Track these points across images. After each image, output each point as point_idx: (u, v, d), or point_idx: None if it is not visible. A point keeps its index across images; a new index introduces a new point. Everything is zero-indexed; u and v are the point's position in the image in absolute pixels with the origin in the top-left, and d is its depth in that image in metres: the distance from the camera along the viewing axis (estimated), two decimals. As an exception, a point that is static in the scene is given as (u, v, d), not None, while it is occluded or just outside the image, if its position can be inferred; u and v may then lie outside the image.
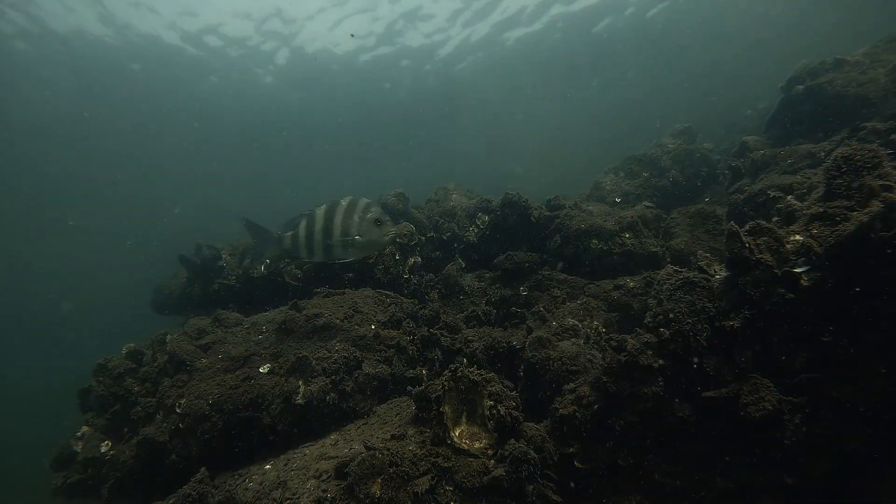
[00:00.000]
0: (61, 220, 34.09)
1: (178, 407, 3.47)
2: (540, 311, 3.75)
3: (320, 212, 2.97)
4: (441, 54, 23.70)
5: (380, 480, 2.17)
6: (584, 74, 28.27)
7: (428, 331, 4.21)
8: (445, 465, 2.24)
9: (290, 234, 3.10)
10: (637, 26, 23.22)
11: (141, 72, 20.67)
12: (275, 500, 2.49)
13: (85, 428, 4.00)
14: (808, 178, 4.21)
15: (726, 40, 26.64)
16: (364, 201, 2.93)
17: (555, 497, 2.29)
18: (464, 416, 2.42)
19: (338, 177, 43.67)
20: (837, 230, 2.08)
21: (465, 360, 3.75)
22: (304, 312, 4.09)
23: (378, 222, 2.89)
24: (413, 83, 26.71)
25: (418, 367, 3.98)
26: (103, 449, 3.84)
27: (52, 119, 21.87)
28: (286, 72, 22.97)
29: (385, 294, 4.65)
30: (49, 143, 23.93)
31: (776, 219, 2.81)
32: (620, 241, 4.80)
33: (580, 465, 2.52)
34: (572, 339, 3.40)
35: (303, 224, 3.01)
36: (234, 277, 5.83)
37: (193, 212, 41.11)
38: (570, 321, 3.56)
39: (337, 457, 2.68)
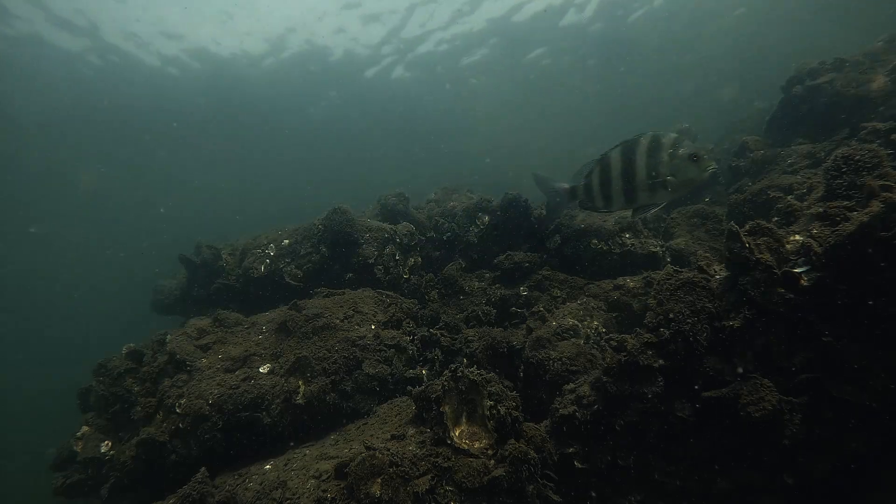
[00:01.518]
0: (56, 222, 34.15)
1: (178, 407, 3.47)
2: (540, 311, 3.75)
3: (615, 154, 2.64)
4: (440, 52, 23.70)
5: (380, 480, 2.17)
6: (584, 73, 28.28)
7: (428, 331, 4.21)
8: (445, 465, 2.24)
9: (582, 183, 2.78)
10: (637, 25, 23.22)
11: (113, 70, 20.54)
12: (275, 500, 2.50)
13: (85, 428, 4.00)
14: (808, 178, 4.21)
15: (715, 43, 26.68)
16: (671, 136, 2.59)
17: (555, 497, 2.29)
18: (464, 417, 2.42)
19: (338, 178, 43.73)
20: (837, 230, 2.08)
21: (465, 360, 3.75)
22: (304, 312, 4.09)
23: (695, 157, 2.53)
24: (413, 83, 26.73)
25: (418, 367, 3.98)
26: (103, 449, 3.84)
27: (53, 120, 21.89)
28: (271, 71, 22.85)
29: (385, 294, 4.65)
30: (44, 143, 23.93)
31: (776, 219, 2.81)
32: (620, 241, 4.80)
33: (580, 465, 2.52)
34: (572, 339, 3.40)
35: (596, 171, 2.70)
36: (234, 277, 5.83)
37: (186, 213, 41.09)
38: (570, 321, 3.56)
39: (337, 457, 2.69)
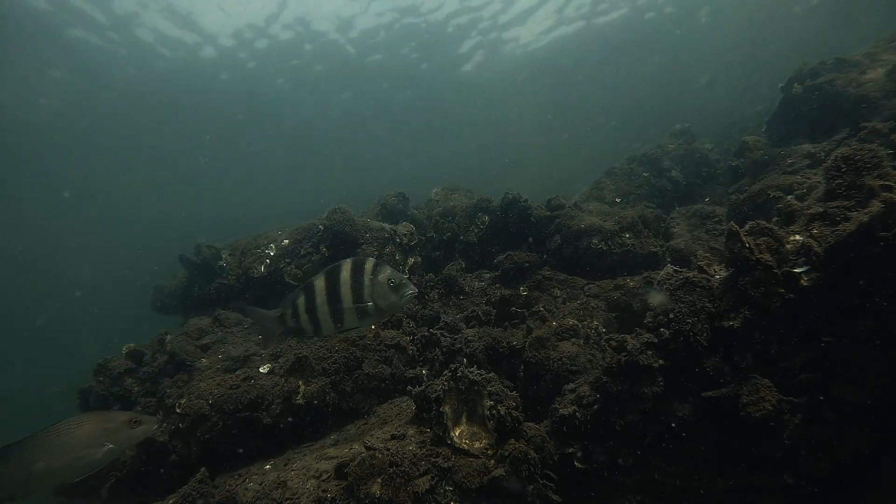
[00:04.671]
0: (63, 216, 34.16)
1: (178, 407, 3.48)
2: (540, 311, 3.75)
3: (319, 281, 2.66)
4: (438, 53, 23.71)
5: (380, 480, 2.17)
6: (584, 73, 28.28)
7: (428, 331, 4.21)
8: (445, 465, 2.24)
9: (290, 311, 2.74)
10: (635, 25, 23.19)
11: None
12: (275, 500, 2.50)
13: (85, 428, 3.99)
14: (808, 178, 4.21)
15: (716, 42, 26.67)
16: (371, 261, 2.65)
17: (555, 497, 2.29)
18: (464, 416, 2.42)
19: (336, 178, 43.74)
20: (837, 230, 2.08)
21: (465, 360, 3.75)
22: (304, 312, 4.09)
23: (392, 283, 2.58)
24: (411, 85, 26.75)
25: (418, 367, 3.98)
26: (103, 449, 3.84)
27: (54, 120, 21.88)
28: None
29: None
30: (51, 144, 23.94)
31: (776, 219, 2.81)
32: (620, 241, 4.80)
33: (580, 465, 2.52)
34: (572, 339, 3.40)
35: (301, 298, 2.69)
36: (234, 277, 5.82)
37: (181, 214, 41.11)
38: (570, 321, 3.56)
39: (337, 457, 2.69)
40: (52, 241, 37.76)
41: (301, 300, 2.67)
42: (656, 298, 2.41)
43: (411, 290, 2.59)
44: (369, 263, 2.62)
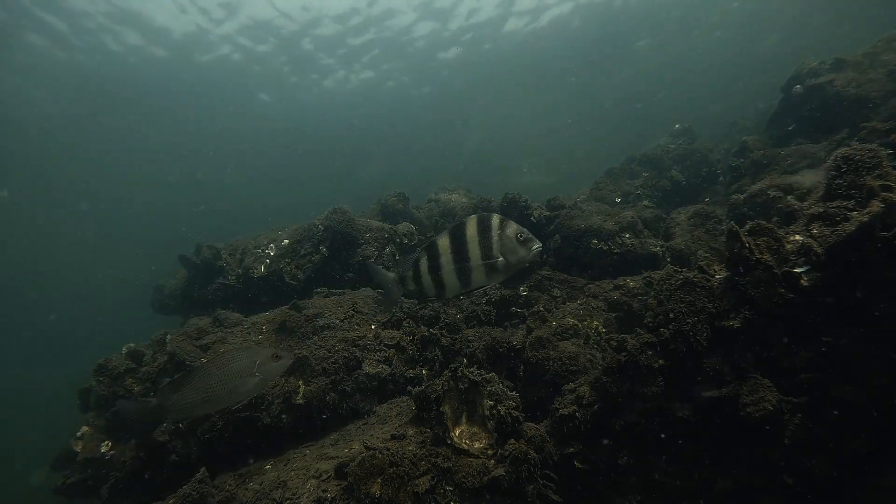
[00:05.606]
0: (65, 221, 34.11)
1: (178, 407, 3.47)
2: (540, 311, 3.75)
3: (443, 240, 2.57)
4: (438, 55, 23.71)
5: (380, 480, 2.17)
6: (585, 72, 28.24)
7: (428, 331, 4.21)
8: (445, 465, 2.24)
9: (407, 272, 2.67)
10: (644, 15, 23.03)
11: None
12: (275, 500, 2.49)
13: (85, 428, 4.00)
14: (808, 178, 4.21)
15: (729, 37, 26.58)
16: (496, 217, 2.56)
17: (555, 497, 2.29)
18: (464, 416, 2.42)
19: (334, 179, 43.77)
20: (838, 230, 2.08)
21: (465, 360, 3.74)
22: (304, 312, 4.09)
23: (521, 237, 2.50)
24: (411, 84, 26.75)
25: (418, 367, 3.98)
26: (103, 449, 3.84)
27: (59, 122, 21.89)
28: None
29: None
30: (54, 146, 23.95)
31: (776, 219, 2.81)
32: (620, 241, 4.80)
33: (580, 465, 2.52)
34: (572, 339, 3.40)
35: (423, 259, 2.60)
36: (234, 277, 5.83)
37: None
38: (570, 321, 3.56)
39: (337, 457, 2.68)
40: (52, 241, 37.78)
41: (423, 261, 2.57)
42: (656, 299, 2.40)
43: (537, 244, 2.52)
44: (495, 219, 2.53)
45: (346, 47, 21.87)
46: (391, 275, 2.73)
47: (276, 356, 2.60)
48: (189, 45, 19.64)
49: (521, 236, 2.48)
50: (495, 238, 2.48)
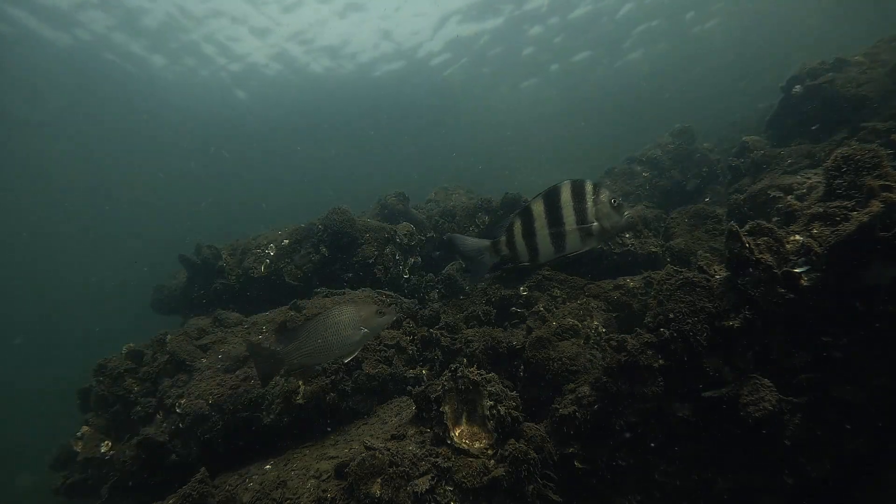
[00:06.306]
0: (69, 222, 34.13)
1: (178, 407, 3.48)
2: (540, 311, 3.75)
3: (537, 205, 2.57)
4: (436, 57, 23.69)
5: (380, 480, 2.17)
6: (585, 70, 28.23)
7: (428, 331, 4.21)
8: (445, 465, 2.24)
9: (503, 237, 2.67)
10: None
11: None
12: (275, 500, 2.50)
13: (85, 428, 4.00)
14: (808, 178, 4.21)
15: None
16: (590, 182, 2.56)
17: (555, 497, 2.29)
18: (464, 416, 2.42)
19: (335, 179, 43.78)
20: (838, 230, 2.08)
21: (465, 360, 3.74)
22: (304, 312, 4.09)
23: (614, 203, 2.51)
24: (411, 84, 26.73)
25: (418, 367, 3.98)
26: (103, 449, 3.84)
27: (59, 121, 21.89)
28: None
29: (385, 294, 4.65)
30: (56, 145, 23.95)
31: (776, 219, 2.81)
32: (620, 241, 4.80)
33: (580, 465, 2.52)
34: (572, 339, 3.40)
35: (517, 223, 2.60)
36: (234, 277, 5.83)
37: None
38: (570, 321, 3.56)
39: (337, 457, 2.69)
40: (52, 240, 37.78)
41: (517, 226, 2.58)
42: (656, 299, 2.40)
43: (629, 210, 2.58)
44: (589, 185, 2.52)
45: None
46: (484, 242, 2.71)
47: (381, 312, 2.71)
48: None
49: (614, 201, 2.47)
50: (590, 203, 2.47)
